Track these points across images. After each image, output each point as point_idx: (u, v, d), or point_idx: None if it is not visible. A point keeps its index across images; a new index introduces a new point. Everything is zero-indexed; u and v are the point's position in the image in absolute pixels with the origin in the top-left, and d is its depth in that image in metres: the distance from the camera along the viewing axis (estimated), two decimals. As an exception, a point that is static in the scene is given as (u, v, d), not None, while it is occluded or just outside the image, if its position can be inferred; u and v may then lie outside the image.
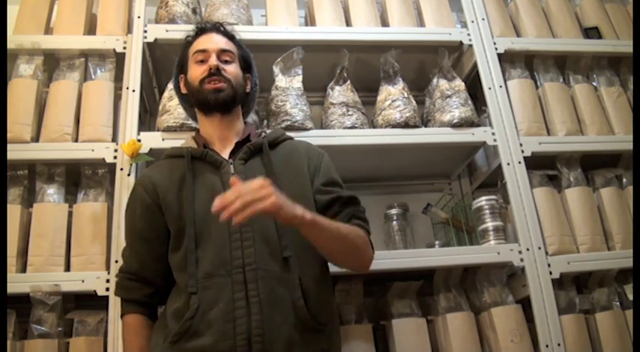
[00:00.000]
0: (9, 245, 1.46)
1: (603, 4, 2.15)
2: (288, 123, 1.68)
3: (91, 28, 1.82)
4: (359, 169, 1.92)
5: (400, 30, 1.91)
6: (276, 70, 1.78)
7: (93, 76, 1.73)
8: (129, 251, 1.28)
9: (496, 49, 1.91)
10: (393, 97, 1.81)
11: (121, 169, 1.56)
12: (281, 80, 1.77)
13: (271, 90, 1.76)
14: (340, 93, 1.82)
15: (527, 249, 1.62)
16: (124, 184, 1.53)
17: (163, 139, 1.60)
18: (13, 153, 1.55)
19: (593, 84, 2.00)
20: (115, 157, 1.58)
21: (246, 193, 0.99)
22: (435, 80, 1.92)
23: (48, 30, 1.80)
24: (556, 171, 1.83)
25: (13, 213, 1.51)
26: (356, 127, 1.75)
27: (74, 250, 1.49)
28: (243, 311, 1.09)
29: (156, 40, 1.75)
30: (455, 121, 1.77)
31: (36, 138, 1.62)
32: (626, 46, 2.01)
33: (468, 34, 1.92)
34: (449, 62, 1.90)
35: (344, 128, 1.75)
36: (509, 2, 2.10)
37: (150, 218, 1.25)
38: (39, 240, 1.49)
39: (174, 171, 1.28)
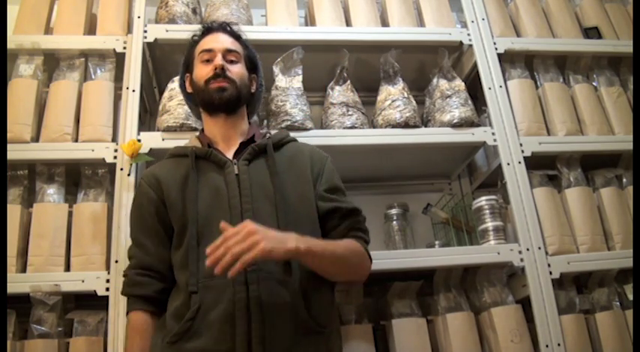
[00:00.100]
0: (9, 245, 1.46)
1: (603, 4, 2.15)
2: (288, 123, 1.68)
3: (91, 28, 1.82)
4: (359, 169, 1.93)
5: (400, 30, 1.91)
6: (276, 70, 1.78)
7: (93, 76, 1.72)
8: (138, 248, 1.26)
9: (496, 49, 1.91)
10: (393, 97, 1.81)
11: (121, 169, 1.56)
12: (281, 80, 1.77)
13: (271, 90, 1.76)
14: (340, 93, 1.82)
15: (527, 249, 1.62)
16: (124, 184, 1.54)
17: (163, 139, 1.60)
18: (13, 153, 1.55)
19: (593, 84, 2.00)
20: (115, 157, 1.58)
21: (234, 244, 1.01)
22: (435, 80, 1.92)
23: (48, 30, 1.80)
24: (556, 171, 1.82)
25: (13, 213, 1.51)
26: (356, 127, 1.75)
27: (74, 250, 1.49)
28: (244, 312, 1.09)
29: (156, 40, 1.75)
30: (455, 121, 1.77)
31: (36, 138, 1.62)
32: (626, 46, 2.01)
33: (468, 34, 1.92)
34: (449, 62, 1.90)
35: (344, 128, 1.75)
36: (509, 2, 2.10)
37: (157, 212, 1.25)
38: (39, 240, 1.49)
39: (178, 169, 1.28)
